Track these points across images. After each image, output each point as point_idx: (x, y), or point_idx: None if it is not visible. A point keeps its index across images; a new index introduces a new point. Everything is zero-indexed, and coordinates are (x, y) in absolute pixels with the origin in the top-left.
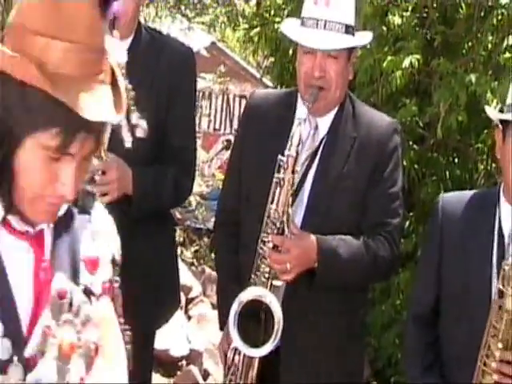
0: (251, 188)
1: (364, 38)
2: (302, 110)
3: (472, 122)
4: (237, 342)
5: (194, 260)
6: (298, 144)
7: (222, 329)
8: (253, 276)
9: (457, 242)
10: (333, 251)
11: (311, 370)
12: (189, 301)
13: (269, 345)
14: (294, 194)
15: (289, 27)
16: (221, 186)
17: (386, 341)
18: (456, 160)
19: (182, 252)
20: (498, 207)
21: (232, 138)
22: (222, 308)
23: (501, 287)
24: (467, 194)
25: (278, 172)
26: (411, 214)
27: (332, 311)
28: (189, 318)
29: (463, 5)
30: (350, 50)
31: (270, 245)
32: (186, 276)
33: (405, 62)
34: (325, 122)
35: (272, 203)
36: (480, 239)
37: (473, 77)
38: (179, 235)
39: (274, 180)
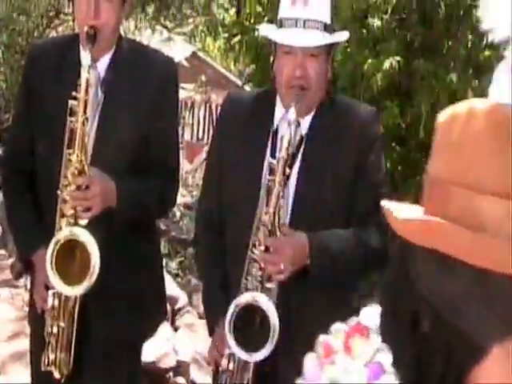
0: (236, 191)
1: (342, 35)
2: (280, 111)
3: None
4: (233, 347)
5: (179, 271)
6: (288, 146)
7: (211, 335)
8: (244, 280)
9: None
10: (324, 246)
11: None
12: (175, 312)
13: (265, 350)
14: (283, 197)
15: (267, 30)
16: None
17: None
18: None
19: (166, 263)
20: None
21: None
22: (210, 315)
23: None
24: None
25: (270, 175)
26: None
27: (328, 310)
28: (175, 329)
29: (442, 5)
30: (329, 49)
31: (262, 247)
32: (171, 287)
33: (385, 64)
34: (305, 121)
35: (264, 206)
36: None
37: (454, 76)
38: (164, 246)
39: (266, 183)
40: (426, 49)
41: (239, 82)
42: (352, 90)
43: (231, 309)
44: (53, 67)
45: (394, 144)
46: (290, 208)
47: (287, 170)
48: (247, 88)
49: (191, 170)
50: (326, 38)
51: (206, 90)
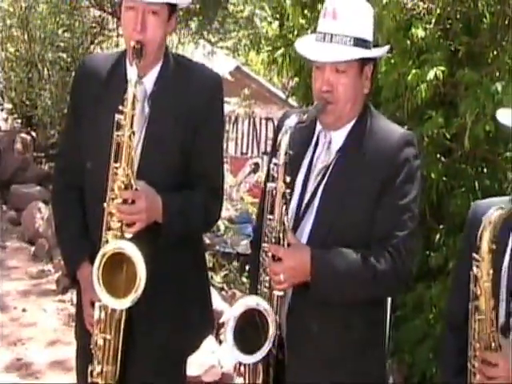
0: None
1: (376, 51)
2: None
3: (499, 131)
4: (233, 351)
5: (224, 284)
6: (286, 153)
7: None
8: (258, 286)
9: None
10: (327, 264)
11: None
12: (220, 325)
13: (262, 351)
14: (286, 203)
15: (301, 42)
16: (249, 210)
17: (419, 356)
18: (485, 170)
19: (211, 277)
20: None
21: (259, 160)
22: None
23: (473, 288)
24: (497, 200)
25: (271, 181)
26: (441, 226)
27: (340, 325)
28: (220, 342)
29: (487, 14)
30: (363, 63)
31: (270, 254)
32: (216, 300)
33: (429, 75)
34: (339, 137)
35: (269, 213)
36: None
37: (499, 85)
38: (208, 260)
39: (267, 189)
40: (471, 58)
41: (283, 96)
42: (396, 100)
43: (231, 319)
44: (101, 82)
45: (438, 155)
46: (311, 224)
47: (287, 178)
48: (291, 101)
49: (235, 184)
50: (351, 53)
51: (249, 103)
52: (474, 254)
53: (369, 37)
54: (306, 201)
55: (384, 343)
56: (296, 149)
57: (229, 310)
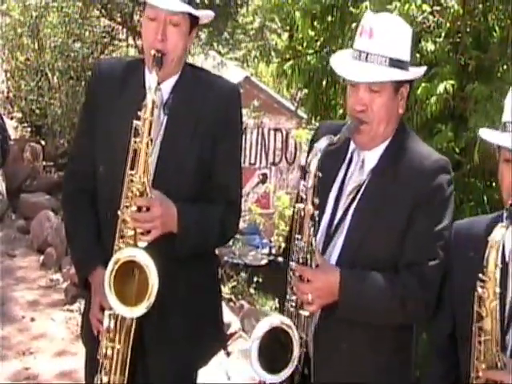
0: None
1: (414, 72)
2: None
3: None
4: (258, 370)
5: (232, 296)
6: (315, 175)
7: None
8: (286, 304)
9: (463, 268)
10: (356, 286)
11: None
12: (228, 337)
13: (286, 370)
14: (315, 225)
15: (337, 58)
16: (257, 221)
17: (427, 370)
18: (494, 184)
19: None
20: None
21: (268, 171)
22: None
23: (477, 309)
24: (479, 218)
25: (300, 202)
26: None
27: (368, 347)
28: (228, 354)
29: (497, 28)
30: (398, 84)
31: (297, 274)
32: (224, 312)
33: (439, 88)
34: (372, 157)
35: (297, 233)
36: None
37: None
38: None
39: (296, 210)
40: (481, 72)
41: (292, 107)
42: (406, 113)
43: (255, 339)
44: (117, 86)
45: None
46: (340, 245)
47: (316, 200)
48: (300, 112)
49: (243, 195)
50: (385, 74)
51: (258, 114)
52: (480, 275)
53: (406, 57)
54: (337, 219)
55: (411, 367)
56: (329, 165)
57: (255, 328)
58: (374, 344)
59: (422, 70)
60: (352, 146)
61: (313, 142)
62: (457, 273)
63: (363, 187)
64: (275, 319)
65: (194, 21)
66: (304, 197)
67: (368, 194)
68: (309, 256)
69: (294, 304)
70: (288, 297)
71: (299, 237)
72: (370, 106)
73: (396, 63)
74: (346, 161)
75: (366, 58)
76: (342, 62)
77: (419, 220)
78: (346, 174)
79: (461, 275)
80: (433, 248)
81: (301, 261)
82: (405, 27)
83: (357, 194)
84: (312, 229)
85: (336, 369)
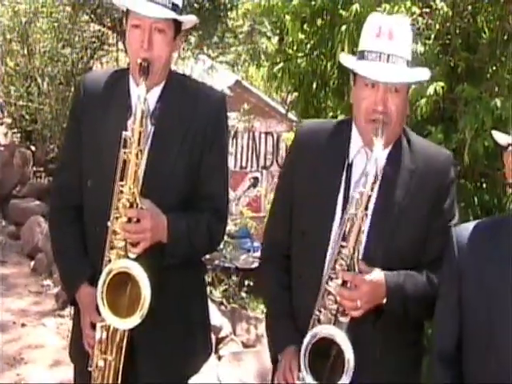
0: (308, 223)
1: (422, 73)
2: (356, 143)
3: (499, 147)
4: (308, 378)
5: (223, 299)
6: (374, 181)
7: (273, 362)
8: (316, 312)
9: (476, 276)
10: (400, 287)
11: None
12: (219, 340)
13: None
14: (363, 231)
15: (349, 61)
16: (249, 224)
17: None
18: (484, 185)
19: (210, 291)
20: None
21: (259, 175)
22: (275, 343)
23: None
24: (479, 223)
25: (353, 208)
26: None
27: (394, 348)
28: (219, 357)
29: (486, 30)
30: (409, 85)
31: (339, 281)
32: (215, 316)
33: (429, 90)
34: (383, 153)
35: (343, 240)
36: (499, 273)
37: (498, 101)
38: (207, 275)
39: (347, 216)
40: (470, 74)
41: (282, 110)
42: None
43: (306, 341)
44: (102, 100)
45: None
46: (363, 244)
47: (370, 206)
48: (290, 116)
49: (234, 199)
50: (409, 75)
51: (249, 118)
52: None
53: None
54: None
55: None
56: (325, 171)
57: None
58: (405, 341)
59: (427, 70)
60: (353, 149)
61: (294, 147)
62: (466, 282)
63: (377, 186)
64: (325, 330)
65: (178, 27)
66: (359, 202)
67: (387, 192)
68: (353, 262)
69: (334, 312)
70: (328, 305)
71: (344, 244)
72: (389, 107)
73: (409, 64)
74: (348, 162)
75: (388, 59)
76: (361, 64)
77: (440, 215)
78: (349, 177)
79: (471, 284)
80: None
81: (345, 268)
82: (410, 29)
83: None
84: (362, 235)
85: (373, 372)
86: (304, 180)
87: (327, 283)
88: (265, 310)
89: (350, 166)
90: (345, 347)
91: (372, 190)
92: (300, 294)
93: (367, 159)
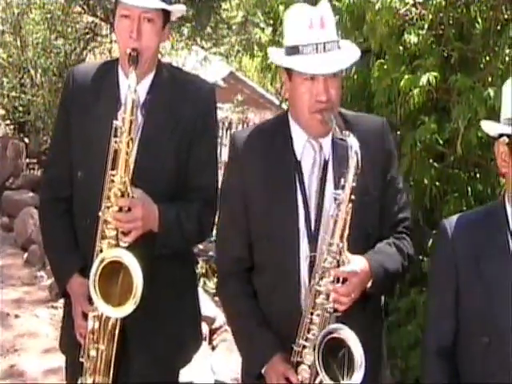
0: (272, 227)
1: (353, 51)
2: (300, 136)
3: (491, 137)
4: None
5: (217, 290)
6: (355, 173)
7: (251, 375)
8: (308, 315)
9: (472, 267)
10: (382, 268)
11: None
12: (213, 331)
13: (354, 379)
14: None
15: (282, 58)
16: None
17: (412, 361)
18: (477, 175)
19: (204, 283)
20: (508, 224)
21: None
22: (257, 354)
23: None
24: (470, 214)
25: (336, 206)
26: (434, 232)
27: (366, 323)
28: (213, 348)
29: (479, 20)
30: None
31: (330, 279)
32: (209, 306)
33: (422, 80)
34: (326, 141)
35: (331, 238)
36: (496, 262)
37: (491, 91)
38: (201, 266)
39: (331, 213)
40: (463, 64)
41: (276, 101)
42: (389, 105)
43: (319, 340)
44: (91, 91)
45: (431, 160)
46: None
47: (353, 197)
48: (284, 106)
49: None
50: (345, 59)
51: (243, 109)
52: None
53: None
54: (314, 208)
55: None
56: (276, 174)
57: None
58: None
59: (356, 49)
60: (298, 144)
61: (235, 157)
62: (462, 272)
63: (331, 173)
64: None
65: (166, 16)
66: (342, 198)
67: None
68: (340, 257)
69: (330, 310)
70: (322, 304)
71: (332, 241)
72: (331, 94)
73: (339, 45)
74: (295, 160)
75: (324, 48)
76: (296, 59)
77: (391, 180)
78: (299, 166)
79: (467, 274)
80: (404, 203)
81: (333, 264)
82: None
83: (324, 182)
84: (347, 231)
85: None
86: (257, 185)
87: (318, 283)
88: None
89: (298, 163)
90: (354, 346)
91: (352, 187)
92: (277, 300)
93: (314, 151)
